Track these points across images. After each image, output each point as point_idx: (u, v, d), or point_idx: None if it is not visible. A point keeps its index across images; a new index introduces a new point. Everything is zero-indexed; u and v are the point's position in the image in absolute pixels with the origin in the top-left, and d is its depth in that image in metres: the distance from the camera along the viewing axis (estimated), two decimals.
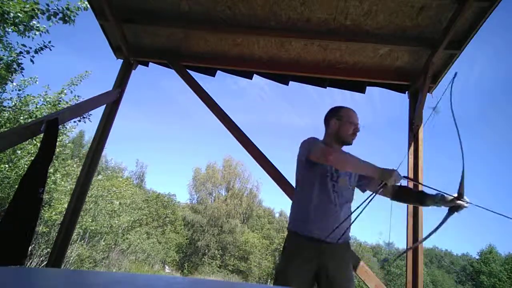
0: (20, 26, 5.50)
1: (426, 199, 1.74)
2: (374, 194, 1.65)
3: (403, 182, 1.78)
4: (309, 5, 2.37)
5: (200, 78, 3.10)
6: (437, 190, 1.70)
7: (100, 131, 2.85)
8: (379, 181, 1.62)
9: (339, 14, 2.41)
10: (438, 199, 1.68)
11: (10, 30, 5.55)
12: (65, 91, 8.07)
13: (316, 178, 1.75)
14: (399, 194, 1.84)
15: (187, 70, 3.07)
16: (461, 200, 1.61)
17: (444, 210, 1.68)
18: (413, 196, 1.87)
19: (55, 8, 5.59)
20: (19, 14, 5.34)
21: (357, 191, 1.94)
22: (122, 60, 3.11)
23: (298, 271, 1.62)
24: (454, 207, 1.65)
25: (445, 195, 1.66)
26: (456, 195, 1.62)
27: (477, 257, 33.84)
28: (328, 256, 1.64)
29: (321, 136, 1.98)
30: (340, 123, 1.87)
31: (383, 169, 1.60)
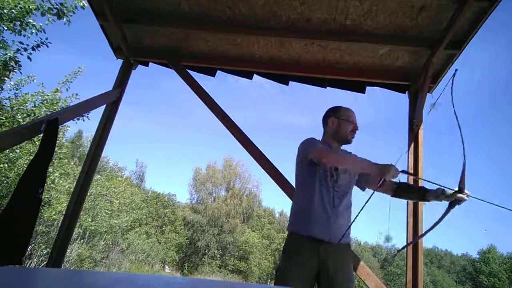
0: (16, 22, 5.49)
1: (427, 194, 1.75)
2: (374, 191, 1.68)
3: (403, 178, 1.78)
4: (309, 5, 2.37)
5: (200, 78, 3.11)
6: (437, 184, 1.73)
7: (100, 131, 2.85)
8: (378, 177, 1.64)
9: (339, 14, 2.41)
10: (439, 194, 1.70)
11: (5, 28, 5.54)
12: (60, 89, 8.00)
13: (316, 179, 1.75)
14: (400, 191, 1.85)
15: (187, 70, 3.07)
16: (462, 194, 1.63)
17: (443, 205, 1.70)
18: (414, 192, 1.87)
19: (50, 4, 5.57)
20: (13, 10, 5.33)
21: (356, 190, 1.94)
22: (122, 60, 3.12)
23: (299, 271, 1.61)
24: (454, 201, 1.67)
25: (446, 189, 1.68)
26: (456, 188, 1.64)
27: (478, 256, 33.84)
28: (329, 256, 1.63)
29: (320, 136, 1.98)
30: (339, 121, 1.88)
31: (381, 165, 1.62)
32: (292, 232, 1.74)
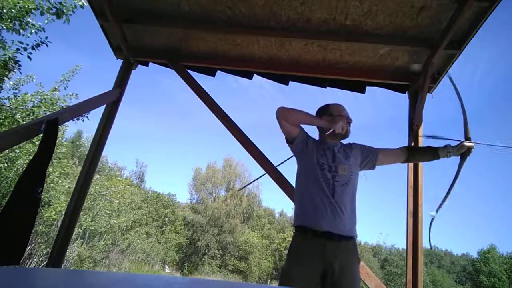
0: (15, 22, 5.49)
1: (438, 151, 1.84)
2: (327, 134, 1.82)
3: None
4: (309, 5, 2.37)
5: (200, 78, 3.10)
6: (437, 137, 1.89)
7: (100, 131, 2.85)
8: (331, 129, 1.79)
9: (339, 14, 2.41)
10: (450, 149, 1.80)
11: (4, 27, 5.54)
12: (58, 87, 7.95)
13: (314, 171, 1.75)
14: (411, 155, 1.94)
15: (187, 70, 3.07)
16: (469, 142, 1.74)
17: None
18: (425, 152, 1.92)
19: (49, 3, 5.57)
20: (12, 10, 5.34)
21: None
22: (122, 60, 3.11)
23: (302, 271, 1.58)
24: (465, 153, 1.78)
25: (454, 141, 1.80)
26: (464, 139, 1.77)
27: (477, 256, 33.79)
28: (334, 256, 1.59)
29: (316, 135, 1.99)
30: (333, 118, 1.86)
31: (328, 120, 1.83)
32: (298, 226, 1.71)
